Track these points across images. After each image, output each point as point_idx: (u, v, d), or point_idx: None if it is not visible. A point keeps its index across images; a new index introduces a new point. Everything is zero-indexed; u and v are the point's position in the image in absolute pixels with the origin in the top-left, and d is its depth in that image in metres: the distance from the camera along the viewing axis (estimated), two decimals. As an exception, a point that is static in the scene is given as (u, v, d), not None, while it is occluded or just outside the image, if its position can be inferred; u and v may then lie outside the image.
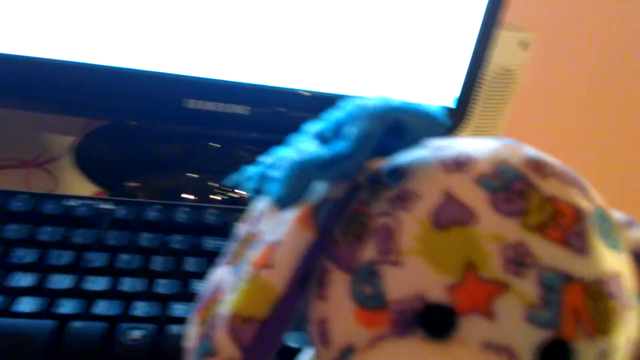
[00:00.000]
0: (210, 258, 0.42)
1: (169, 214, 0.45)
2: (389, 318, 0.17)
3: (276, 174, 0.18)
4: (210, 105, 0.51)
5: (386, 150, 0.19)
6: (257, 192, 0.22)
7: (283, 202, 0.18)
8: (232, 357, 0.19)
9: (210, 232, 0.45)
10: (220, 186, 0.52)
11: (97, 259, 0.39)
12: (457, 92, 0.55)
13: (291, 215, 0.19)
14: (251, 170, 0.21)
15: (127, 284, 0.38)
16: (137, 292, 0.38)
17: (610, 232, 0.18)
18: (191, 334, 0.21)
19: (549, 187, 0.18)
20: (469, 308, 0.16)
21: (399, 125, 0.18)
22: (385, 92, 0.19)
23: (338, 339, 0.18)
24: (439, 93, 0.55)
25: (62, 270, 0.38)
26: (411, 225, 0.18)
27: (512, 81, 0.59)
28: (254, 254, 0.20)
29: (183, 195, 0.51)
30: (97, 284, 0.37)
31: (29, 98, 0.49)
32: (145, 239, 0.42)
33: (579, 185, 0.18)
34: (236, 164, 0.56)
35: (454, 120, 0.56)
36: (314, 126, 0.20)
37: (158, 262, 0.40)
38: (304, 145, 0.18)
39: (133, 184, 0.49)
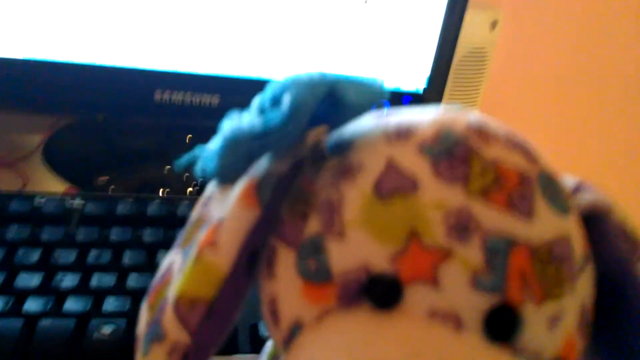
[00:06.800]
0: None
1: (140, 208, 0.44)
2: (334, 292, 0.17)
3: (212, 147, 0.17)
4: (180, 97, 0.50)
5: (327, 123, 0.19)
6: (205, 172, 0.21)
7: (219, 176, 0.17)
8: (179, 340, 0.18)
9: (182, 224, 0.44)
10: (192, 177, 0.52)
11: (66, 255, 0.39)
12: (428, 72, 0.55)
13: (234, 193, 0.19)
14: (198, 151, 0.21)
15: (97, 280, 0.37)
16: (107, 288, 0.37)
17: (557, 195, 0.18)
18: (141, 320, 0.20)
19: (491, 151, 0.17)
20: (413, 277, 0.16)
21: (336, 97, 0.18)
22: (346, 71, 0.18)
23: (287, 316, 0.18)
24: (410, 74, 0.55)
25: (31, 269, 0.37)
26: (354, 196, 0.17)
27: (482, 61, 0.59)
28: (201, 235, 0.19)
29: (156, 188, 0.51)
30: (66, 280, 0.37)
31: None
32: (115, 233, 0.41)
33: (523, 149, 0.18)
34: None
35: (429, 100, 0.56)
36: (257, 100, 0.19)
37: (129, 256, 0.40)
38: (242, 118, 0.18)
39: (105, 179, 0.49)
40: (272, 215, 0.19)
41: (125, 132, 0.55)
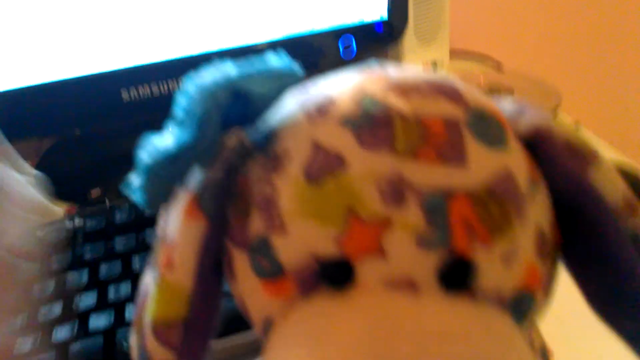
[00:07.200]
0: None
1: (137, 212, 0.45)
2: (292, 284, 0.17)
3: (135, 182, 0.18)
4: (147, 90, 0.50)
5: (244, 116, 0.18)
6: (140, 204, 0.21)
7: (151, 208, 0.18)
8: None
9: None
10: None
11: (78, 276, 0.40)
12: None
13: (178, 209, 0.19)
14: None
15: (114, 292, 0.38)
16: (125, 297, 0.38)
17: (490, 130, 0.17)
18: (132, 345, 0.21)
19: (412, 105, 0.17)
20: (360, 253, 0.16)
21: (244, 92, 0.17)
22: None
23: (256, 315, 0.19)
24: (371, 3, 0.53)
25: (50, 301, 0.39)
26: (287, 187, 0.17)
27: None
28: (160, 256, 0.20)
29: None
30: (85, 300, 0.38)
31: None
32: (120, 242, 0.42)
33: (448, 91, 0.18)
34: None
35: (395, 23, 0.54)
36: (173, 112, 0.19)
37: (138, 262, 0.41)
38: (159, 140, 0.18)
39: (98, 191, 0.50)
40: (222, 221, 0.19)
41: (106, 139, 0.56)
